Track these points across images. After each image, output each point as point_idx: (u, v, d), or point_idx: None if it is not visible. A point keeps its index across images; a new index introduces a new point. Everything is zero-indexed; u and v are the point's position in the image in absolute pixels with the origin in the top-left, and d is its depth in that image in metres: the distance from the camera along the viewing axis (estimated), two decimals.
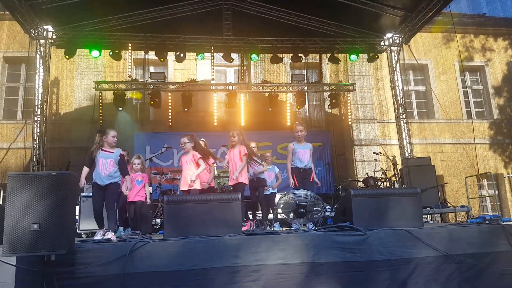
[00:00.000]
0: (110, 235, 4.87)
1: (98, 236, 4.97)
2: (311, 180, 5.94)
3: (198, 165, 5.49)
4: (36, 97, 10.21)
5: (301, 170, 5.92)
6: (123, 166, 5.17)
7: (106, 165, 5.01)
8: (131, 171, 6.05)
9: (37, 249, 3.36)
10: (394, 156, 10.07)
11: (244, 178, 5.75)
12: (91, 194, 7.00)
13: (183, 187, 5.51)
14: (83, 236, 6.91)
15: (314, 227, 5.01)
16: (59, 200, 3.37)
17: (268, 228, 5.78)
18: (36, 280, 3.54)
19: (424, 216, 6.33)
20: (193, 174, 5.39)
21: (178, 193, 7.59)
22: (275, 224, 6.10)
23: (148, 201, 6.35)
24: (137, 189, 6.14)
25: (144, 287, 3.80)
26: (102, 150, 5.09)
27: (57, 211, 3.36)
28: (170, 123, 11.27)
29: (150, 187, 6.87)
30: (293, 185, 5.88)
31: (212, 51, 10.86)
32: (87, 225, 6.90)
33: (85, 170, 5.15)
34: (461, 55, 13.02)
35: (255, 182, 6.18)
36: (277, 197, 6.75)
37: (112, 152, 5.10)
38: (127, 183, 5.19)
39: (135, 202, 6.13)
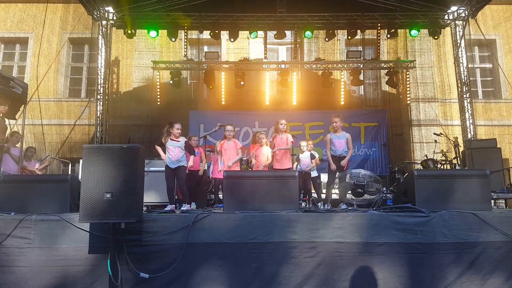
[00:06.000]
0: (186, 207, 5.80)
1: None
2: (344, 169, 6.19)
3: (237, 153, 6.55)
4: (99, 76, 10.77)
5: (337, 158, 6.31)
6: (189, 148, 6.14)
7: (174, 152, 5.90)
8: (215, 154, 7.03)
9: (109, 216, 3.59)
10: (456, 138, 9.54)
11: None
12: (151, 169, 7.57)
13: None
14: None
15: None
16: (129, 172, 3.57)
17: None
18: (107, 246, 3.80)
19: None
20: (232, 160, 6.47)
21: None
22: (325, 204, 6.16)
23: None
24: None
25: (205, 257, 3.96)
26: (171, 139, 5.97)
27: (128, 182, 3.56)
28: (223, 102, 11.43)
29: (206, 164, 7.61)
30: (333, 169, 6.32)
31: (265, 28, 10.74)
32: (147, 197, 7.26)
33: (159, 148, 6.09)
34: None
35: (303, 175, 7.11)
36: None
37: (178, 141, 5.99)
38: (191, 161, 6.20)
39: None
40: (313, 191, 7.75)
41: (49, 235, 3.95)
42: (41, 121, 10.54)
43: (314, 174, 7.53)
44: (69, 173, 10.57)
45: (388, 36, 10.68)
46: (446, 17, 10.66)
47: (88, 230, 3.93)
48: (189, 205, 5.99)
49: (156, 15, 10.42)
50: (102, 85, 10.77)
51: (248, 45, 12.39)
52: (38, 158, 8.58)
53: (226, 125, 6.69)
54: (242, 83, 11.04)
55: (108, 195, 3.56)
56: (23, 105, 6.51)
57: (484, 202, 4.45)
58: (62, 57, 12.50)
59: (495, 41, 12.60)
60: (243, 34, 11.06)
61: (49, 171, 9.40)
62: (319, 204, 6.96)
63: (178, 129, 5.95)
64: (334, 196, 6.80)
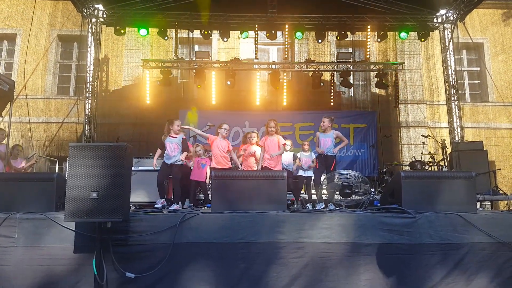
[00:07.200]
0: (175, 206, 5.79)
1: (157, 205, 5.79)
2: (331, 169, 6.16)
3: (229, 150, 6.61)
4: (88, 74, 10.65)
5: (322, 156, 6.36)
6: (184, 145, 6.17)
7: (172, 148, 6.02)
8: (195, 156, 6.87)
9: (95, 216, 3.56)
10: (443, 140, 9.65)
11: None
12: (140, 168, 7.52)
13: (214, 165, 6.43)
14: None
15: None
16: (116, 170, 3.54)
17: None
18: (93, 245, 3.76)
19: None
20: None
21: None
22: (318, 203, 6.14)
23: (207, 181, 6.85)
24: (201, 171, 6.80)
25: (192, 257, 3.95)
26: (170, 135, 6.09)
27: (115, 181, 3.53)
28: (214, 102, 11.39)
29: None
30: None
31: (257, 29, 10.74)
32: (135, 197, 7.21)
33: (158, 151, 6.21)
34: None
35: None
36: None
37: (176, 137, 6.10)
38: (182, 156, 6.07)
39: (199, 182, 6.79)
40: (302, 191, 7.73)
41: (34, 234, 3.90)
42: (28, 118, 10.40)
43: (309, 174, 7.39)
44: (56, 171, 10.44)
45: (379, 40, 10.77)
46: (435, 20, 10.77)
47: (73, 229, 3.89)
48: (177, 205, 5.96)
49: (147, 13, 10.32)
50: (91, 83, 10.66)
51: (239, 45, 12.39)
52: (25, 156, 8.45)
53: (223, 124, 6.69)
54: (228, 82, 10.99)
55: (94, 194, 3.52)
56: (9, 102, 6.40)
57: (469, 203, 4.50)
58: (51, 54, 12.35)
59: (483, 45, 12.77)
60: (234, 34, 11.05)
61: (36, 170, 9.26)
62: (308, 205, 6.98)
63: (178, 125, 6.11)
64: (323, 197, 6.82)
